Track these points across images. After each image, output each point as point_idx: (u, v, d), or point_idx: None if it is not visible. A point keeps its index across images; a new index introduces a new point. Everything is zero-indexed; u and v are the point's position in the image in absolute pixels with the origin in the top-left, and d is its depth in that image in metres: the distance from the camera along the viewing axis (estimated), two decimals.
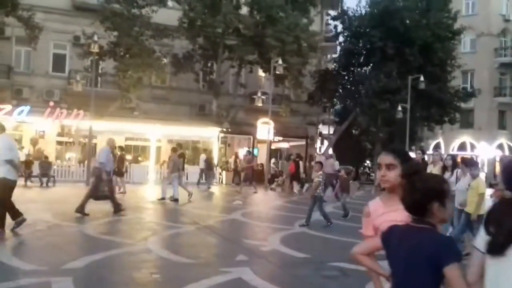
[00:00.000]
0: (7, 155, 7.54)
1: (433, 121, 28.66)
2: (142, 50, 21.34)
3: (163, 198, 13.78)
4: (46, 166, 18.07)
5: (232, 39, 23.79)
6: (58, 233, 8.28)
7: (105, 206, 10.64)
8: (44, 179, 17.60)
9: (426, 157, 9.84)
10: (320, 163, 11.37)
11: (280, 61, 21.86)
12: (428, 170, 8.86)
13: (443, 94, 26.70)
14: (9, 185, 7.65)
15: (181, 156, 15.63)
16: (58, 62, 24.61)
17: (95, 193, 10.49)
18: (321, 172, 10.61)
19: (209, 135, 24.53)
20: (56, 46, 24.56)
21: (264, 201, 16.77)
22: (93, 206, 10.35)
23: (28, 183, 17.09)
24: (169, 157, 15.27)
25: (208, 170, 20.56)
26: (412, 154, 10.40)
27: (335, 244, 8.49)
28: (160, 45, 23.28)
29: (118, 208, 10.65)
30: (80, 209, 10.01)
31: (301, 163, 19.46)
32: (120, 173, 15.42)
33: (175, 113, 24.81)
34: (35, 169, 17.92)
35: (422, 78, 23.67)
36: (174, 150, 14.95)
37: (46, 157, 19.16)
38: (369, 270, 2.38)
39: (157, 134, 23.44)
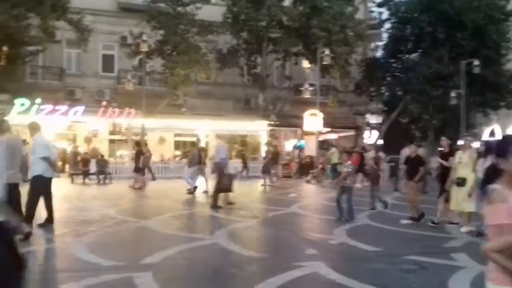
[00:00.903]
0: (43, 153, 7.84)
1: (489, 106, 27.50)
2: (189, 47, 21.56)
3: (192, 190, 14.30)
4: (102, 163, 18.60)
5: (276, 31, 23.64)
6: (126, 229, 8.44)
7: (166, 202, 10.79)
8: (101, 176, 18.12)
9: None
10: (360, 154, 11.01)
11: (327, 51, 21.52)
12: (457, 156, 8.52)
13: (499, 78, 25.54)
14: (45, 182, 7.98)
15: (201, 150, 15.97)
16: (107, 62, 25.25)
17: (220, 187, 11.23)
18: (350, 162, 10.27)
19: (256, 128, 24.54)
20: (105, 47, 25.18)
21: (318, 193, 16.58)
22: (157, 203, 10.51)
23: (86, 180, 17.64)
24: (189, 152, 16.04)
25: (272, 163, 19.97)
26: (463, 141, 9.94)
27: (403, 236, 8.23)
28: (205, 41, 23.45)
29: (216, 205, 11.01)
30: (214, 204, 10.96)
31: (366, 154, 18.66)
32: (137, 169, 16.34)
33: (220, 108, 24.97)
34: (92, 167, 18.49)
35: (476, 62, 22.67)
36: (193, 145, 15.90)
37: (102, 155, 19.71)
38: (506, 270, 2.11)
39: (205, 130, 23.65)
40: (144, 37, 19.49)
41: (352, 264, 6.32)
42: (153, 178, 18.24)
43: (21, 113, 19.52)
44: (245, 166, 22.27)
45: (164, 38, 21.83)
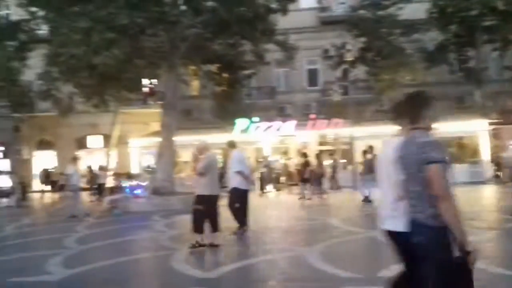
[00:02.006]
0: (238, 168, 8.91)
1: None
2: (393, 50, 20.92)
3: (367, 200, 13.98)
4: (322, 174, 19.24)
5: (490, 19, 21.12)
6: (354, 240, 8.42)
7: None
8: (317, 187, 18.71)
9: None
10: None
11: None
12: None
13: None
14: (240, 194, 8.95)
15: (373, 158, 15.25)
16: (312, 77, 26.32)
17: None
18: None
19: (474, 129, 22.20)
20: (309, 62, 26.31)
21: None
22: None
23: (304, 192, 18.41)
24: (362, 160, 15.61)
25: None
26: None
27: None
28: (409, 41, 22.43)
29: None
30: None
31: None
32: (304, 180, 16.67)
33: None
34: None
35: None
36: (365, 152, 15.26)
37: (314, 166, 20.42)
38: None
39: None
40: (349, 47, 19.70)
41: None
42: (335, 188, 18.30)
43: (242, 131, 21.79)
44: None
45: (366, 45, 21.66)
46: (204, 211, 7.91)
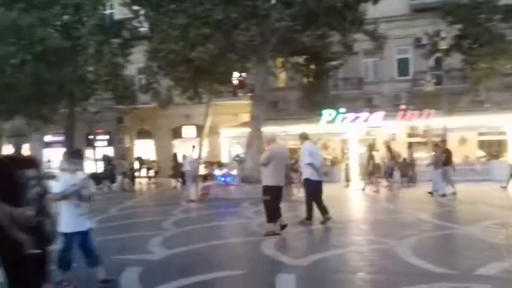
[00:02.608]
0: (308, 160, 9.19)
1: None
2: (492, 37, 19.61)
3: (443, 194, 13.91)
4: (406, 167, 18.82)
5: None
6: (446, 235, 8.26)
7: (482, 207, 10.04)
8: (404, 179, 18.36)
9: None
10: None
11: None
12: None
13: None
14: (312, 185, 9.24)
15: (445, 152, 14.96)
16: (402, 66, 25.45)
17: None
18: None
19: None
20: (399, 52, 25.43)
21: None
22: (471, 208, 9.90)
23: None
24: (433, 154, 15.40)
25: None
26: None
27: None
28: (509, 28, 20.84)
29: None
30: None
31: None
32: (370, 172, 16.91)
33: None
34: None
35: None
36: (436, 146, 15.24)
37: (404, 159, 19.99)
38: None
39: None
40: (443, 34, 18.79)
41: None
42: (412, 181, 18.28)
43: (328, 122, 21.78)
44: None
45: (462, 32, 20.50)
46: (270, 200, 8.27)
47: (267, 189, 8.37)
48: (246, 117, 23.72)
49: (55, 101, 23.05)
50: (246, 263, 6.77)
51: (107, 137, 29.48)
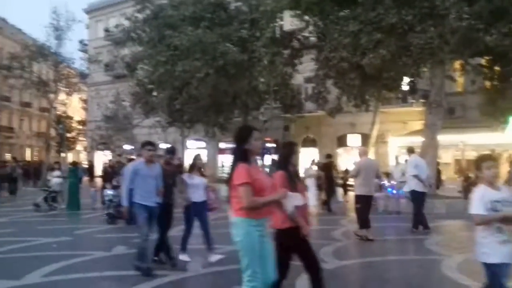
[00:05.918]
0: (413, 172, 10.13)
1: None
2: None
3: None
4: None
5: None
6: None
7: None
8: None
9: None
10: None
11: None
12: None
13: None
14: (417, 196, 10.16)
15: None
16: None
17: None
18: None
19: None
20: None
21: None
22: None
23: None
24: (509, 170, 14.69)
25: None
26: None
27: None
28: None
29: None
30: None
31: None
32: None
33: None
34: None
35: None
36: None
37: None
38: None
39: None
40: None
41: None
42: None
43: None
44: None
45: None
46: (361, 208, 9.17)
47: (358, 198, 9.32)
48: (416, 125, 22.36)
49: (230, 110, 24.93)
50: (425, 284, 6.29)
51: (275, 145, 30.75)
